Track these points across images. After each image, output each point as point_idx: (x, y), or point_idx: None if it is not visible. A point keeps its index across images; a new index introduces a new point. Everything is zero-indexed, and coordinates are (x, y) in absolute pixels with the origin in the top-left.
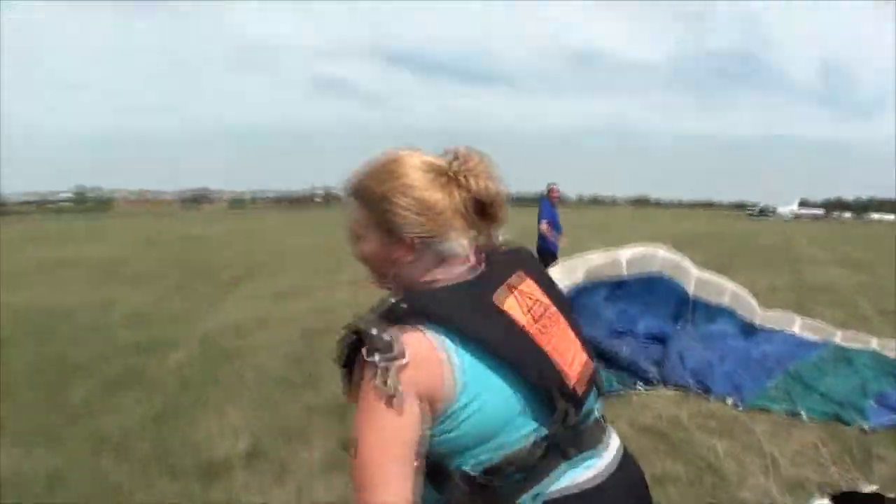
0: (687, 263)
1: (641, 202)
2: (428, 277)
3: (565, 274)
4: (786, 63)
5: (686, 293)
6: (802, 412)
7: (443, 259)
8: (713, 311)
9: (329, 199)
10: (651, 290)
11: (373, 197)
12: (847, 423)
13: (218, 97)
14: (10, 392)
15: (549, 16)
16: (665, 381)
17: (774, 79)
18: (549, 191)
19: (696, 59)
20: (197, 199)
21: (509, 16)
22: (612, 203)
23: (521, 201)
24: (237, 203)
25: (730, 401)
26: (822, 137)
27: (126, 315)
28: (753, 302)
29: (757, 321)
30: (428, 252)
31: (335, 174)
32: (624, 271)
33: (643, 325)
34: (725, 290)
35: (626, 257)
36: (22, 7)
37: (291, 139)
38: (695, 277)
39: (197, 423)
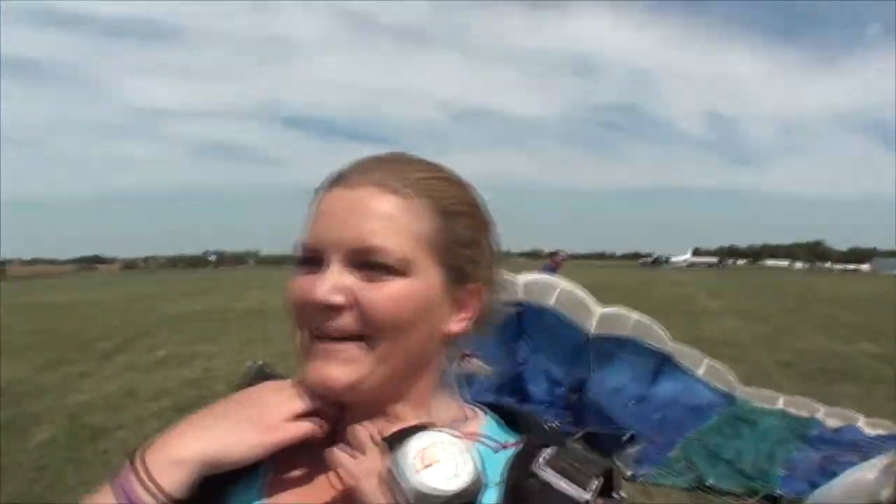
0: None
1: (534, 255)
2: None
3: None
4: (673, 115)
5: (585, 333)
6: (710, 483)
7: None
8: (613, 354)
9: (221, 261)
10: (545, 327)
11: (462, 220)
12: (756, 493)
13: (106, 164)
14: None
15: (434, 77)
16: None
17: (662, 131)
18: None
19: (585, 113)
20: (89, 265)
21: (395, 78)
22: (510, 257)
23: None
24: (130, 265)
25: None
26: (712, 186)
27: None
28: (662, 333)
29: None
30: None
31: (227, 237)
32: (520, 294)
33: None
34: (629, 320)
35: (522, 282)
36: None
37: (183, 203)
38: (597, 313)
39: None
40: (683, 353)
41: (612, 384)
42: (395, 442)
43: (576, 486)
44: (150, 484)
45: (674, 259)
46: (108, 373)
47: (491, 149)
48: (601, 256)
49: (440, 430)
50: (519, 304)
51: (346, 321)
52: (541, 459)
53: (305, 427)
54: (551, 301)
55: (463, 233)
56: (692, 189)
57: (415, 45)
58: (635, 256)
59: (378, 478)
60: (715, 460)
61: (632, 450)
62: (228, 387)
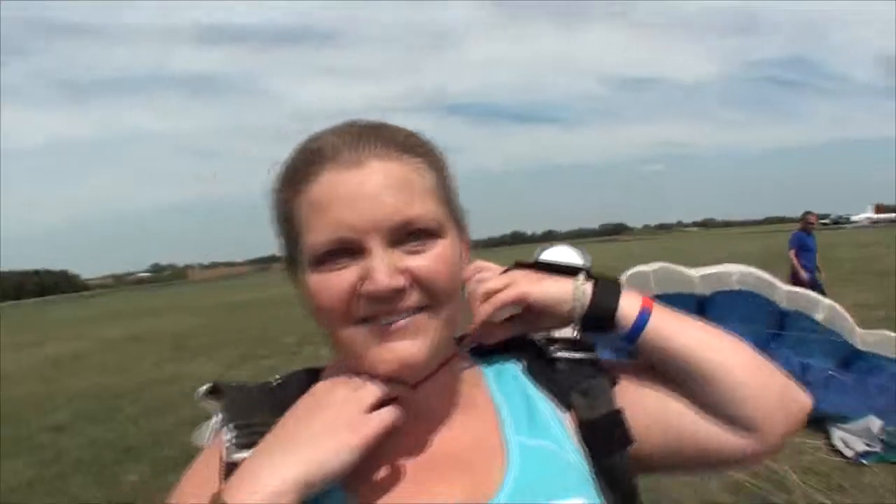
0: (769, 276)
1: (708, 224)
2: None
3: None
4: (844, 64)
5: (775, 308)
6: None
7: None
8: (805, 334)
9: None
10: (734, 308)
11: (446, 169)
12: None
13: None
14: (66, 477)
15: (595, 50)
16: None
17: (833, 83)
18: (805, 218)
19: (750, 71)
20: (265, 265)
21: (556, 56)
22: (679, 228)
23: (587, 235)
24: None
25: (848, 452)
26: (890, 135)
27: (189, 391)
28: (850, 320)
29: (857, 342)
30: None
31: None
32: (696, 288)
33: None
34: (819, 304)
35: (699, 274)
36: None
37: None
38: (784, 291)
39: None
40: (872, 342)
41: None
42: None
43: (585, 352)
44: None
45: (854, 217)
46: (297, 366)
47: (656, 118)
48: (781, 220)
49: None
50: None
51: (412, 299)
52: (550, 349)
53: (388, 414)
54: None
55: (452, 184)
56: (867, 140)
57: (573, 20)
58: (802, 219)
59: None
60: None
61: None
62: None
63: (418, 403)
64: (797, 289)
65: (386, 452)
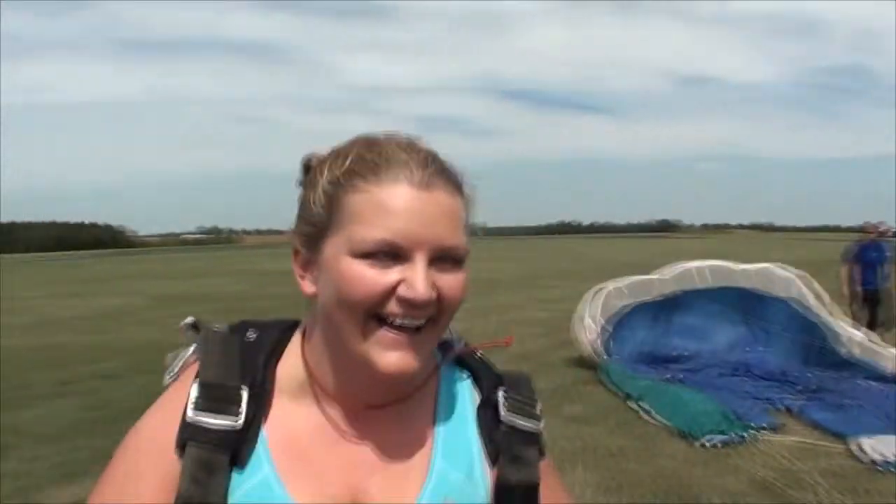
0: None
1: (760, 228)
2: None
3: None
4: None
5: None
6: None
7: None
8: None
9: None
10: (771, 314)
11: (473, 203)
12: None
13: (328, 138)
14: (114, 421)
15: (655, 44)
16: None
17: (890, 92)
18: (864, 228)
19: (810, 76)
20: None
21: (614, 47)
22: (730, 230)
23: (636, 230)
24: None
25: (875, 457)
26: None
27: None
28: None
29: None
30: None
31: None
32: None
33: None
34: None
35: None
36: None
37: None
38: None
39: None
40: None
41: None
42: None
43: (532, 421)
44: None
45: None
46: None
47: (713, 116)
48: (836, 230)
49: None
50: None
51: (430, 310)
52: (502, 406)
53: None
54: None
55: (470, 217)
56: None
57: (634, 13)
58: (860, 230)
59: None
60: None
61: None
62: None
63: (367, 413)
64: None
65: (333, 443)
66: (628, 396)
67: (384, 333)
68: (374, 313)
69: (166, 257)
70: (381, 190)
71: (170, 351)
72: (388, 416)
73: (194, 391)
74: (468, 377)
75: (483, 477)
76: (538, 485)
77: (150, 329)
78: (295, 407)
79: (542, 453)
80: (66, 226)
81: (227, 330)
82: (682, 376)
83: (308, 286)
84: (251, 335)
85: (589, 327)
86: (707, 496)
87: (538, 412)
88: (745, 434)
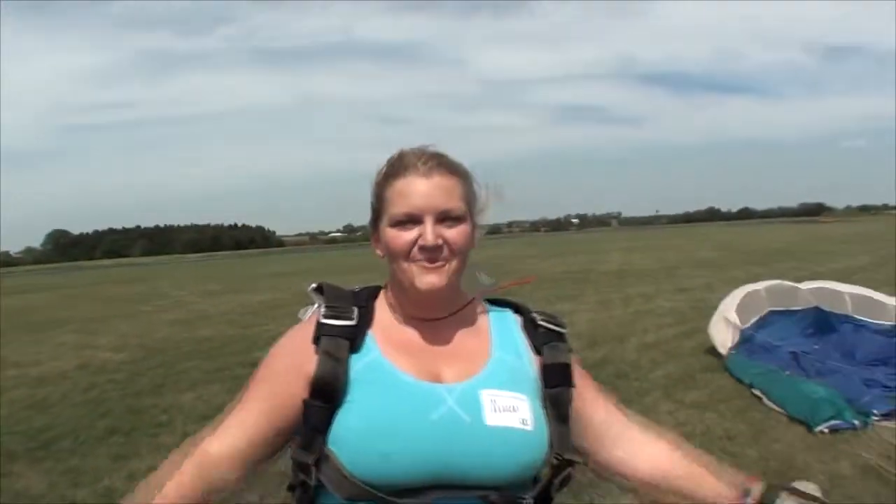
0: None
1: None
2: None
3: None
4: None
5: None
6: None
7: None
8: None
9: (584, 223)
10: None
11: (472, 184)
12: None
13: (468, 134)
14: None
15: (798, 15)
16: None
17: None
18: None
19: None
20: None
21: (754, 21)
22: (885, 210)
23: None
24: (494, 230)
25: None
26: None
27: None
28: None
29: None
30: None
31: (588, 199)
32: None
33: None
34: None
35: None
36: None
37: (544, 168)
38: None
39: None
40: None
41: None
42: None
43: (559, 326)
44: None
45: None
46: None
47: (860, 90)
48: None
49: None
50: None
51: (443, 253)
52: (537, 318)
53: None
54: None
55: (471, 194)
56: None
57: None
58: None
59: None
60: None
61: None
62: (585, 342)
63: (438, 327)
64: None
65: (417, 341)
66: (748, 385)
67: (416, 267)
68: (409, 258)
69: (311, 255)
70: (400, 182)
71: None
72: (455, 324)
73: (323, 310)
74: (509, 310)
75: (530, 360)
76: (570, 364)
77: (294, 322)
78: (390, 320)
79: (569, 349)
80: (217, 228)
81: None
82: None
83: (380, 251)
84: (357, 288)
85: (727, 328)
86: (815, 479)
87: (562, 322)
88: (860, 421)
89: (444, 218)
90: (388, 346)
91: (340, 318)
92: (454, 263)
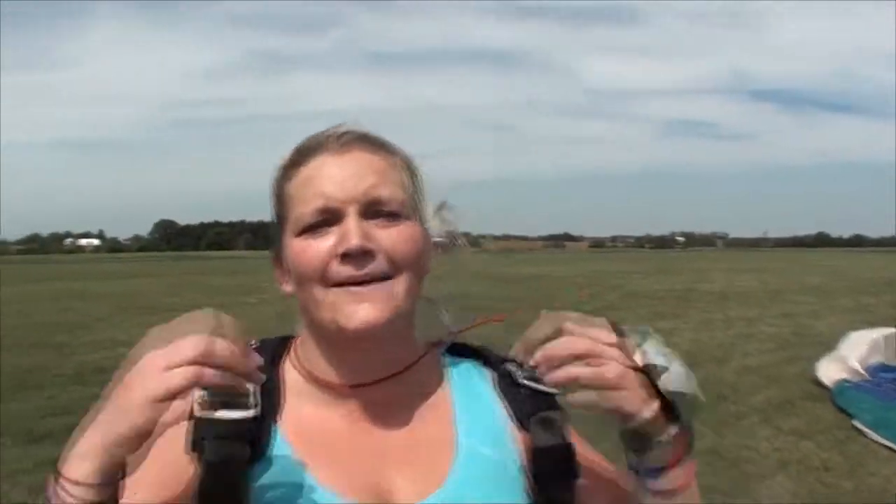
0: None
1: None
2: None
3: None
4: None
5: None
6: None
7: None
8: None
9: (689, 242)
10: None
11: (416, 174)
12: None
13: (573, 144)
14: None
15: None
16: None
17: None
18: None
19: None
20: (558, 242)
21: (872, 37)
22: None
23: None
24: (598, 244)
25: None
26: None
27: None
28: None
29: None
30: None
31: (694, 217)
32: None
33: None
34: None
35: None
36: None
37: (649, 183)
38: None
39: None
40: None
41: None
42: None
43: (545, 386)
44: (63, 482)
45: None
46: None
47: None
48: None
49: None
50: None
51: (379, 264)
52: (516, 374)
53: (189, 372)
54: None
55: (419, 187)
56: None
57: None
58: None
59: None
60: None
61: None
62: (685, 362)
63: (382, 394)
64: None
65: (347, 431)
66: (852, 416)
67: (340, 292)
68: (329, 281)
69: None
70: (302, 169)
71: None
72: (403, 393)
73: (196, 394)
74: (473, 362)
75: (514, 442)
76: (571, 445)
77: None
78: (304, 404)
79: (567, 414)
80: None
81: None
82: None
83: (287, 286)
84: (254, 343)
85: (841, 367)
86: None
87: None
88: None
89: (376, 213)
90: (303, 444)
91: (231, 405)
92: (401, 283)
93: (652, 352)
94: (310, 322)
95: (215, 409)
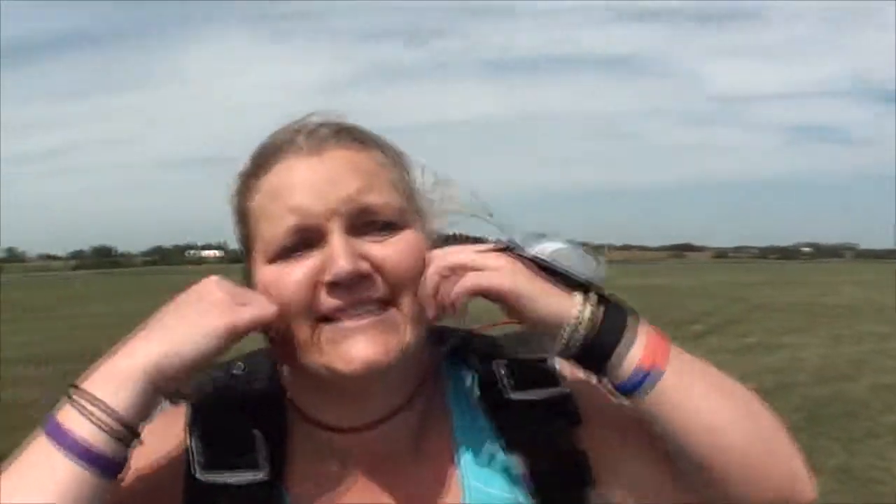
0: None
1: None
2: None
3: None
4: None
5: None
6: None
7: None
8: None
9: (816, 253)
10: None
11: (408, 167)
12: None
13: (695, 152)
14: None
15: None
16: None
17: None
18: None
19: None
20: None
21: None
22: None
23: None
24: (721, 254)
25: None
26: None
27: None
28: None
29: None
30: None
31: (821, 226)
32: None
33: None
34: None
35: None
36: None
37: (774, 191)
38: None
39: None
40: None
41: None
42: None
43: (547, 387)
44: (91, 408)
45: None
46: (698, 353)
47: None
48: None
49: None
50: None
51: (378, 291)
52: (505, 383)
53: (263, 306)
54: None
55: (412, 180)
56: None
57: None
58: None
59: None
60: None
61: None
62: (813, 378)
63: (383, 436)
64: None
65: (342, 490)
66: None
67: (330, 329)
68: (316, 316)
69: None
70: (273, 175)
71: None
72: (402, 430)
73: (195, 446)
74: (467, 368)
75: (514, 472)
76: (580, 454)
77: None
78: (305, 455)
79: (575, 414)
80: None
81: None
82: None
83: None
84: (237, 369)
85: None
86: None
87: (552, 367)
88: None
89: (366, 225)
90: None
91: (237, 467)
92: (404, 310)
93: (549, 247)
94: (293, 366)
95: (215, 472)
